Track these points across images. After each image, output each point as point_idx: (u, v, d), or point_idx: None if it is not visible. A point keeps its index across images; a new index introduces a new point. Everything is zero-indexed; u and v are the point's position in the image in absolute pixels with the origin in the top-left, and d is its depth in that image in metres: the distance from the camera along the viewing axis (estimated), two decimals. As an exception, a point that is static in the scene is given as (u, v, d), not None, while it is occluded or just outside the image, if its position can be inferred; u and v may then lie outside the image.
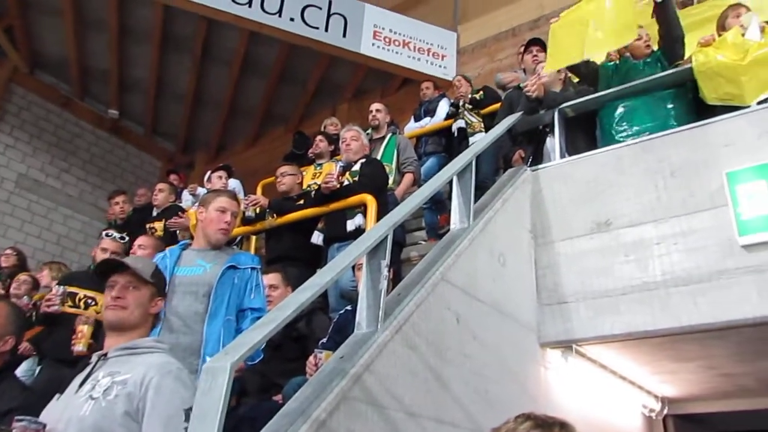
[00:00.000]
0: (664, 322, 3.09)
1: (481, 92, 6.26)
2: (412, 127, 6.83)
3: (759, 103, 3.28)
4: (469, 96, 6.25)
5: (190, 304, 2.90)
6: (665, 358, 3.63)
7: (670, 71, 3.76)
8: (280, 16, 8.26)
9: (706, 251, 3.03)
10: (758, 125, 3.12)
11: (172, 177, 7.53)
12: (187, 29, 8.89)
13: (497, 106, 5.45)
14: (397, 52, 8.77)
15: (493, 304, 3.05)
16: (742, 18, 3.58)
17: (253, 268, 3.12)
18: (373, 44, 8.68)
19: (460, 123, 6.14)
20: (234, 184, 7.00)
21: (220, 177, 6.00)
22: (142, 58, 9.40)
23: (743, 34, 3.42)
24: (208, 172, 6.39)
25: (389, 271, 3.19)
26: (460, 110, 6.17)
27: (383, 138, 5.77)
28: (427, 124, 6.70)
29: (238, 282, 3.03)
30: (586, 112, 4.00)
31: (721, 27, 3.75)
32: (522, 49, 5.28)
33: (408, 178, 5.55)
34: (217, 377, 1.64)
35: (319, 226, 4.66)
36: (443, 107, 6.62)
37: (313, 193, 4.72)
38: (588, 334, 3.31)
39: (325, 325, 3.58)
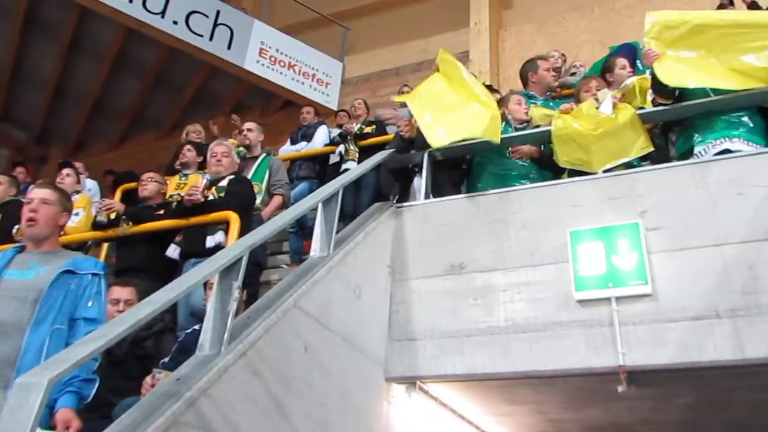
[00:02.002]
0: (503, 366, 3.24)
1: (374, 126, 6.34)
2: (288, 150, 6.79)
3: (605, 171, 3.60)
4: (357, 126, 6.33)
5: (15, 310, 2.62)
6: (501, 401, 3.80)
7: (531, 131, 4.04)
8: (162, 17, 7.94)
9: (545, 302, 3.24)
10: (602, 191, 3.41)
11: (18, 170, 6.91)
12: (57, 14, 8.29)
13: (378, 139, 5.58)
14: (281, 73, 8.73)
15: (343, 335, 3.06)
16: (599, 93, 3.94)
17: (94, 275, 2.87)
18: (258, 61, 8.58)
19: (341, 149, 6.20)
20: (90, 184, 6.56)
21: (68, 175, 5.58)
22: (1, 36, 8.62)
23: (597, 107, 3.75)
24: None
25: (242, 292, 3.11)
26: (346, 139, 6.22)
27: (256, 158, 5.67)
28: (303, 148, 6.69)
29: (75, 288, 2.78)
30: (454, 157, 4.17)
31: (577, 98, 4.10)
32: (403, 89, 5.46)
33: (277, 200, 5.47)
34: (30, 394, 1.49)
35: (177, 239, 4.46)
36: (321, 134, 6.65)
37: (175, 204, 4.52)
38: (432, 372, 3.39)
39: (172, 345, 3.41)
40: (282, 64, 8.76)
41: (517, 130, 4.18)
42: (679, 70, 3.57)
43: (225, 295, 2.37)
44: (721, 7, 4.89)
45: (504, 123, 4.21)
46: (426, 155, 4.06)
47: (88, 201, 5.66)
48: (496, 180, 4.00)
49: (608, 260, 3.16)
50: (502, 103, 4.35)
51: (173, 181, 5.54)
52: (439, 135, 3.85)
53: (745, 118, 3.52)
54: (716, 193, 3.18)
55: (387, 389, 3.42)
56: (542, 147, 4.03)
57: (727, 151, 3.40)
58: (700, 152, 3.53)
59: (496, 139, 3.68)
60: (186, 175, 5.61)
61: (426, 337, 3.44)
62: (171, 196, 5.14)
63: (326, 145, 6.48)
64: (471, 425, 4.25)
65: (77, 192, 5.70)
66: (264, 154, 5.73)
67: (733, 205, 3.12)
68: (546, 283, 3.28)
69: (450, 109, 3.89)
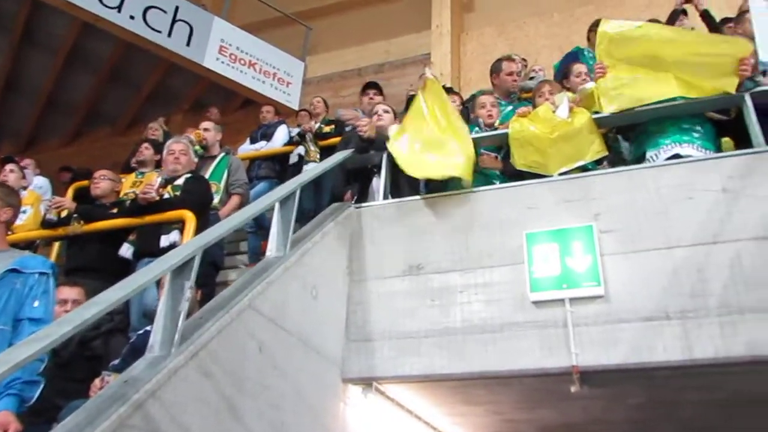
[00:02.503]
0: (459, 367, 3.25)
1: (333, 126, 6.31)
2: (247, 149, 6.70)
3: (560, 174, 3.65)
4: (317, 125, 6.28)
5: (-43, 310, 2.52)
6: (457, 401, 3.81)
7: (489, 134, 4.08)
8: (119, 11, 7.74)
9: (501, 303, 3.26)
10: (557, 194, 3.46)
11: (-34, 167, 6.64)
12: (9, 6, 8.02)
13: (338, 139, 5.54)
14: (241, 71, 8.62)
15: (299, 336, 3.02)
16: (555, 97, 3.99)
17: (42, 273, 2.79)
18: (217, 59, 8.45)
19: (301, 150, 6.15)
20: (41, 182, 6.36)
21: (12, 171, 5.40)
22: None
23: (554, 111, 3.80)
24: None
25: (196, 293, 3.06)
26: (305, 139, 6.17)
27: (214, 157, 5.58)
28: (263, 147, 6.62)
29: (21, 287, 2.69)
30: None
31: (533, 103, 4.15)
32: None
33: (235, 199, 5.39)
34: (-37, 397, 1.42)
35: (130, 238, 4.35)
36: (281, 133, 6.59)
37: (129, 202, 4.41)
38: (389, 372, 3.39)
39: (123, 346, 3.33)
40: (242, 62, 8.65)
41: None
42: (621, 94, 3.65)
43: (176, 295, 2.32)
44: (674, 14, 5.00)
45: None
46: (385, 156, 4.06)
47: (36, 198, 5.49)
48: (455, 181, 4.01)
49: (563, 262, 3.21)
50: (471, 106, 4.40)
51: (129, 179, 5.41)
52: (418, 170, 3.85)
53: (696, 125, 3.61)
54: (667, 197, 3.25)
55: (343, 390, 3.40)
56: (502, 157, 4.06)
57: (677, 155, 3.48)
58: (652, 157, 3.61)
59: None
60: (142, 173, 5.48)
61: (383, 338, 3.43)
62: (126, 194, 5.02)
63: (286, 144, 6.42)
64: (428, 426, 4.26)
65: (24, 188, 5.52)
66: (223, 154, 5.64)
67: (683, 209, 3.20)
68: (502, 284, 3.31)
69: (429, 147, 3.86)
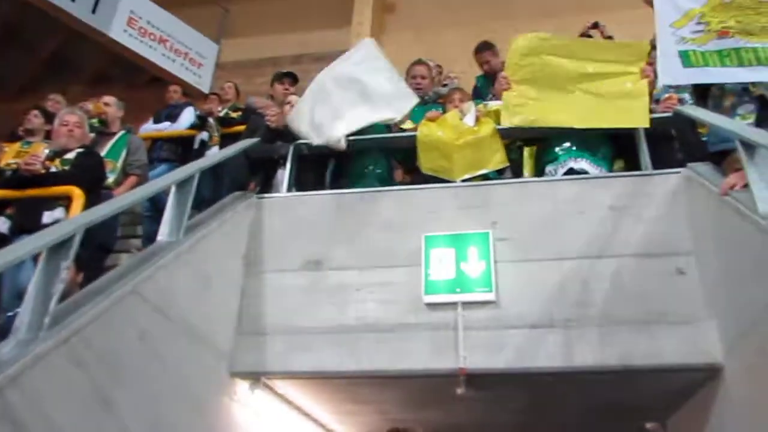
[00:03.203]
0: (350, 365, 3.24)
1: (240, 113, 6.12)
2: (150, 128, 6.40)
3: (463, 180, 3.72)
4: (223, 111, 6.08)
5: None
6: (346, 399, 3.81)
7: (400, 135, 4.10)
8: (17, -33, 7.20)
9: (395, 304, 3.28)
10: (458, 199, 3.53)
11: None
12: None
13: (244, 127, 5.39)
14: (151, 47, 8.23)
15: (186, 326, 2.91)
16: (464, 105, 4.07)
17: None
18: (125, 31, 8.01)
19: (204, 135, 5.93)
20: None
21: None
22: None
23: (462, 118, 3.88)
24: None
25: (77, 275, 2.87)
26: (207, 122, 5.96)
27: (114, 134, 5.28)
28: (167, 128, 6.34)
29: None
30: (321, 153, 4.13)
31: (444, 108, 4.21)
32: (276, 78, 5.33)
33: (131, 180, 5.11)
34: None
35: (8, 211, 4.02)
36: (187, 115, 6.34)
37: (10, 173, 4.08)
38: (278, 368, 3.32)
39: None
40: (152, 37, 8.26)
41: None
42: (521, 113, 3.76)
43: (51, 276, 2.16)
44: (582, 35, 5.22)
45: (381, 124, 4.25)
46: (292, 148, 3.99)
47: None
48: (361, 180, 4.01)
49: (458, 266, 3.27)
50: None
51: (12, 148, 5.02)
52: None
53: (594, 144, 3.78)
54: (561, 211, 3.39)
55: (230, 384, 3.31)
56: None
57: (572, 170, 3.63)
58: (550, 171, 3.75)
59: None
60: (29, 143, 5.09)
61: (276, 333, 3.37)
62: (8, 165, 4.64)
63: (192, 127, 6.18)
64: (315, 423, 4.23)
65: None
66: (123, 132, 5.35)
67: (574, 223, 3.34)
68: (398, 284, 3.33)
69: None
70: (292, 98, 4.53)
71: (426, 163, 3.80)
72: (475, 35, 8.39)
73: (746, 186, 2.69)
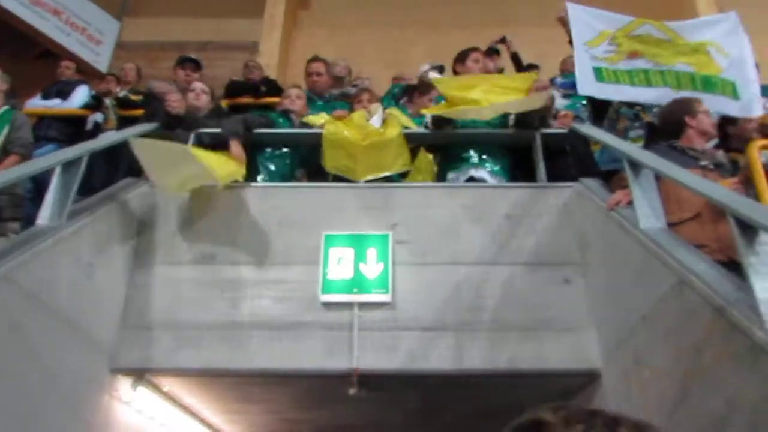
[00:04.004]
0: (241, 362, 3.15)
1: (141, 96, 5.80)
2: (37, 104, 5.95)
3: (367, 181, 3.72)
4: (122, 93, 5.75)
5: None
6: (235, 398, 3.70)
7: (304, 131, 4.05)
8: None
9: (291, 302, 3.23)
10: (360, 200, 3.53)
11: None
12: None
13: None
14: (44, 17, 7.66)
15: (64, 317, 2.72)
16: (371, 107, 4.08)
17: None
18: (16, -2, 7.43)
19: (99, 117, 5.58)
20: None
21: None
22: None
23: (368, 119, 3.88)
24: None
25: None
26: (102, 103, 5.61)
27: (-3, 109, 4.87)
28: (57, 106, 5.92)
29: None
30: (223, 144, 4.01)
31: (351, 108, 4.20)
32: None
33: (13, 159, 4.73)
34: None
35: None
36: (81, 93, 5.95)
37: None
38: (165, 364, 3.18)
39: None
40: (46, 7, 7.69)
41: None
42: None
43: None
44: (489, 50, 5.38)
45: (284, 119, 4.18)
46: (193, 136, 3.84)
47: None
48: (269, 174, 3.92)
49: (356, 267, 3.26)
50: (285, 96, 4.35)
51: None
52: None
53: (495, 153, 3.89)
54: (460, 217, 3.46)
55: (111, 381, 3.13)
56: None
57: (473, 178, 3.72)
58: (453, 178, 3.82)
59: None
60: None
61: (164, 327, 3.22)
62: None
63: (85, 107, 5.80)
64: (202, 423, 4.09)
65: None
66: (7, 107, 4.94)
67: (472, 230, 3.42)
68: (295, 282, 3.28)
69: None
70: (197, 85, 4.37)
71: (330, 161, 3.77)
72: (389, 39, 8.49)
73: (631, 203, 2.86)
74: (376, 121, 3.84)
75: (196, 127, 3.92)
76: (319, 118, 4.15)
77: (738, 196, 2.26)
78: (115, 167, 4.72)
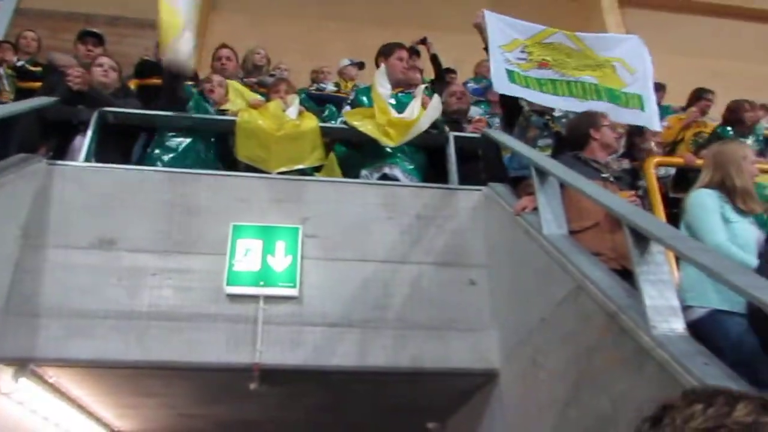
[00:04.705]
0: (137, 354, 3.01)
1: (40, 68, 5.41)
2: None
3: (280, 173, 3.65)
4: (19, 62, 5.35)
5: None
6: (129, 392, 3.54)
7: (217, 117, 3.93)
8: None
9: (195, 293, 3.12)
10: (272, 191, 3.46)
11: None
12: None
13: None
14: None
15: (-62, 302, 2.49)
16: (288, 98, 4.01)
17: None
18: None
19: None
20: None
21: None
22: None
23: (285, 110, 3.81)
24: None
25: None
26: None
27: None
28: (-57, 74, 5.44)
29: None
30: (130, 124, 3.82)
31: (267, 97, 4.11)
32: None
33: None
34: None
35: None
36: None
37: None
38: (52, 354, 2.98)
39: None
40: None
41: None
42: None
43: None
44: (410, 49, 5.41)
45: (205, 101, 4.05)
46: (96, 114, 3.63)
47: None
48: (172, 159, 3.76)
49: (264, 259, 3.19)
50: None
51: None
52: None
53: (409, 153, 3.92)
54: (371, 214, 3.47)
55: (-10, 371, 2.91)
56: None
57: (386, 176, 3.74)
58: (366, 175, 3.82)
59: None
60: None
61: (53, 315, 3.02)
62: None
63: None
64: (90, 417, 3.89)
65: None
66: None
67: (382, 227, 3.44)
68: (199, 272, 3.17)
69: None
70: (105, 60, 4.13)
71: (243, 150, 3.67)
72: (310, 31, 8.41)
73: (536, 209, 2.96)
74: (292, 112, 3.77)
75: (101, 104, 3.71)
76: (234, 105, 4.05)
77: (634, 208, 2.38)
78: (6, 141, 4.39)
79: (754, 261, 2.39)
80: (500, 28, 3.96)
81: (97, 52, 4.30)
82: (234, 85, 4.42)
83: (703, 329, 2.22)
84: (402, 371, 3.19)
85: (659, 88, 5.39)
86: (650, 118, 4.02)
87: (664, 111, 5.04)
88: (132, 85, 4.79)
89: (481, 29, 3.97)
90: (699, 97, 5.52)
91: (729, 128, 4.77)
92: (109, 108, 3.70)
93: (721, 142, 3.40)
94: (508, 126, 3.98)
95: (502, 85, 3.80)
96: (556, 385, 2.51)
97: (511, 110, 3.95)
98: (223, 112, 4.01)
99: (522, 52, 3.96)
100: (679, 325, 1.95)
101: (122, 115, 3.72)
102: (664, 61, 7.62)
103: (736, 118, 4.77)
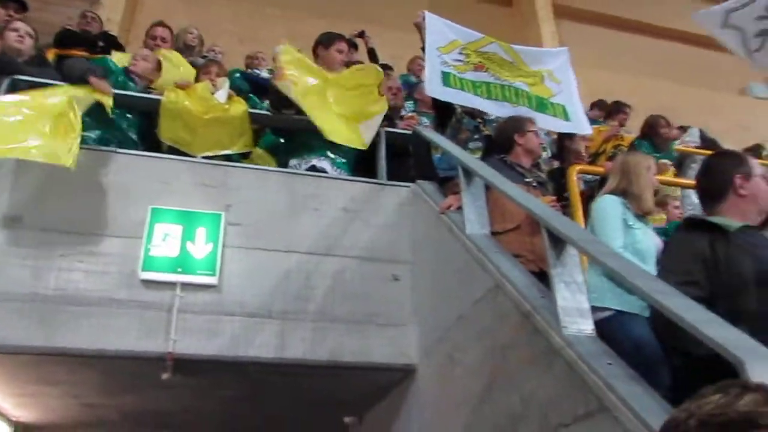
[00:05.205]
0: (41, 339, 2.86)
1: None
2: None
3: (205, 158, 3.54)
4: None
5: None
6: (30, 380, 3.35)
7: (142, 95, 3.77)
8: None
9: (107, 277, 2.99)
10: (195, 176, 3.35)
11: None
12: None
13: None
14: None
15: None
16: (218, 80, 3.90)
17: None
18: None
19: None
20: None
21: None
22: None
23: (213, 92, 3.70)
24: None
25: None
26: None
27: None
28: None
29: None
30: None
31: (197, 79, 3.97)
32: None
33: None
34: None
35: None
36: None
37: None
38: (-56, 337, 2.79)
39: None
40: None
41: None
42: (298, 90, 3.75)
43: None
44: (348, 42, 5.37)
45: (128, 79, 3.88)
46: (7, 82, 3.42)
47: None
48: (99, 139, 3.59)
49: (183, 245, 3.10)
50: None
51: None
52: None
53: (340, 145, 3.86)
54: (298, 205, 3.43)
55: None
56: None
57: (314, 168, 3.69)
58: (295, 165, 3.76)
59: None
60: None
61: (-57, 295, 2.82)
62: None
63: None
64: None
65: None
66: None
67: (308, 219, 3.40)
68: (113, 256, 3.04)
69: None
70: (20, 26, 3.88)
71: (167, 131, 3.54)
72: (247, 15, 8.22)
73: (461, 208, 3.00)
74: (221, 96, 3.66)
75: (13, 72, 3.49)
76: (165, 82, 3.90)
77: (553, 211, 2.45)
78: None
79: (651, 268, 2.51)
80: (439, 29, 4.00)
81: (17, 17, 4.04)
82: (169, 56, 4.25)
83: (606, 330, 2.31)
84: (321, 364, 3.17)
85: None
86: (576, 125, 4.16)
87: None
88: (50, 54, 4.53)
89: (420, 29, 3.99)
90: (618, 110, 5.75)
91: (645, 141, 5.00)
92: (22, 77, 3.48)
93: (628, 152, 3.56)
94: (440, 127, 4.01)
95: (436, 89, 3.82)
96: (471, 381, 2.55)
97: (443, 112, 3.98)
98: (151, 90, 3.85)
99: (460, 54, 4.01)
100: (588, 326, 2.01)
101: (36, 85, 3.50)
102: (592, 74, 7.92)
103: (653, 132, 5.00)
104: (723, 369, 1.30)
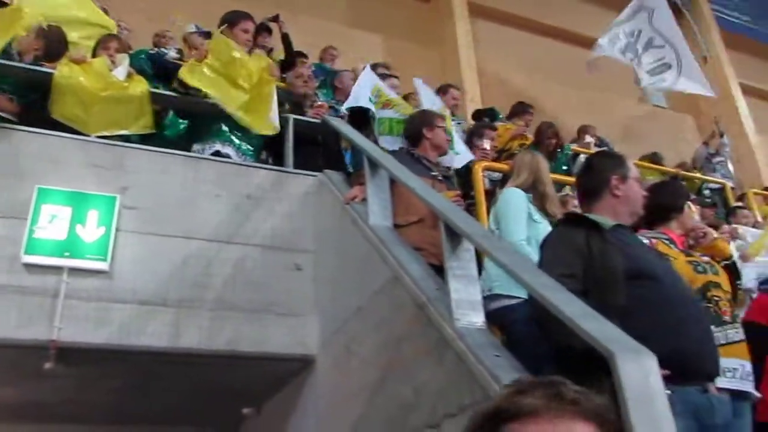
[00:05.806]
0: None
1: None
2: None
3: (99, 136, 3.36)
4: None
5: None
6: None
7: (35, 68, 3.52)
8: None
9: (-16, 259, 2.79)
10: (88, 155, 3.18)
11: None
12: None
13: None
14: None
15: None
16: (118, 56, 3.70)
17: None
18: None
19: None
20: None
21: None
22: None
23: (112, 69, 3.51)
24: None
25: None
26: None
27: None
28: None
29: None
30: None
31: (93, 54, 3.76)
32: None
33: None
34: None
35: None
36: None
37: None
38: None
39: None
40: None
41: None
42: (203, 78, 3.65)
43: None
44: (260, 26, 5.24)
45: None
46: None
47: None
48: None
49: (72, 228, 2.94)
50: None
51: None
52: None
53: (246, 131, 3.77)
54: (199, 190, 3.33)
55: None
56: None
57: (218, 153, 3.59)
58: (198, 149, 3.63)
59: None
60: None
61: None
62: None
63: None
64: None
65: None
66: None
67: (210, 205, 3.31)
68: (-8, 237, 2.83)
69: None
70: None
71: (58, 108, 3.32)
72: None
73: (365, 199, 3.00)
74: (120, 73, 3.47)
75: None
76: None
77: (452, 206, 2.49)
78: None
79: None
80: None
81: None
82: None
83: (510, 316, 2.38)
84: (217, 354, 3.10)
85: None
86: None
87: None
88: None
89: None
90: (523, 110, 5.94)
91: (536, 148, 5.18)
92: None
93: (535, 151, 3.69)
94: (355, 125, 4.01)
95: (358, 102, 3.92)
96: (366, 372, 2.57)
97: (359, 118, 4.03)
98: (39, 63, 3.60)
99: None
100: (479, 319, 2.07)
101: None
102: (505, 73, 8.14)
103: (538, 140, 5.17)
104: (596, 361, 1.36)
